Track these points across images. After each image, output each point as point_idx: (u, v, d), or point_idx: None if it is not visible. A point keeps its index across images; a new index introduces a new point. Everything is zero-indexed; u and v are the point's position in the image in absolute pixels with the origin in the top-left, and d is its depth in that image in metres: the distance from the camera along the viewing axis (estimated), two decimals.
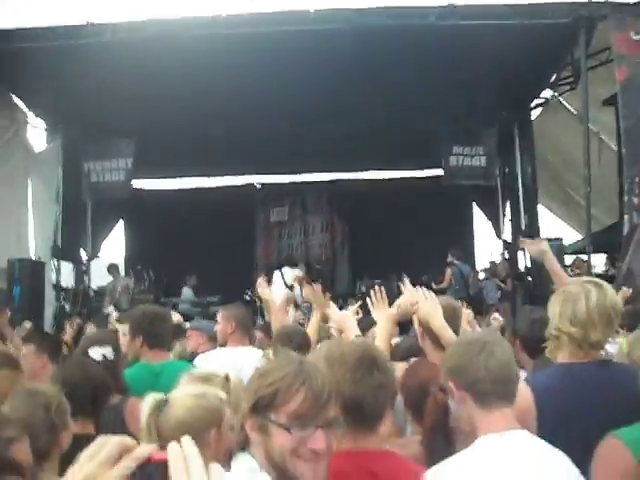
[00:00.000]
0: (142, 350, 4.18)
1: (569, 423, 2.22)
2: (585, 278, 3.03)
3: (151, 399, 2.31)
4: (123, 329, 4.86)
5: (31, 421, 2.49)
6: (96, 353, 3.26)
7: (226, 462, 2.46)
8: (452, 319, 3.27)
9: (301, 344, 4.09)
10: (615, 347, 3.70)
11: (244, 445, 1.93)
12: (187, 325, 6.87)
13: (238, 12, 11.16)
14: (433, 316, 3.19)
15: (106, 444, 1.03)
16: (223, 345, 4.93)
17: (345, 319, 3.86)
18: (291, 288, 12.21)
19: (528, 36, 10.73)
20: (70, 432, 2.65)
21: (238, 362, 4.32)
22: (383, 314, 3.60)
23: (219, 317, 5.09)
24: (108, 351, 3.34)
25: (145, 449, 1.03)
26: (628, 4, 10.77)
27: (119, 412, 3.19)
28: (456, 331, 3.26)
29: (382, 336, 3.49)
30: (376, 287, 3.75)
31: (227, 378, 2.75)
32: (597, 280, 2.93)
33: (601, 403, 2.52)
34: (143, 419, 2.28)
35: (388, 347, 3.56)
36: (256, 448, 1.85)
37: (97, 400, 2.96)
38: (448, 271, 13.70)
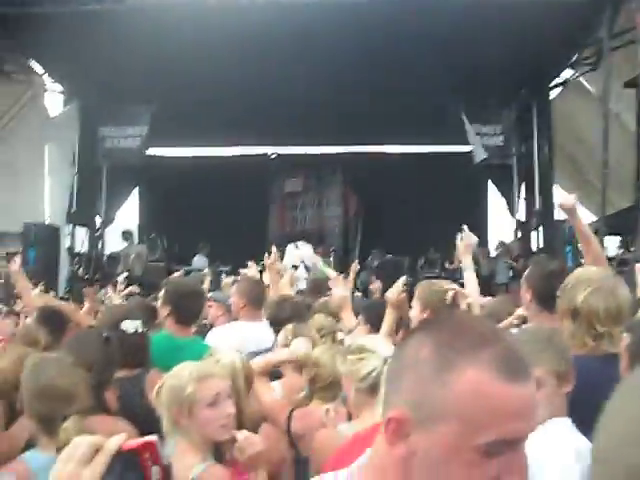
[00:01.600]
0: (168, 321, 4.25)
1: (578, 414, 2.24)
2: (607, 269, 3.04)
3: (164, 377, 2.65)
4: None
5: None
6: (130, 326, 3.34)
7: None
8: None
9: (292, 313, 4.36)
10: None
11: None
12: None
13: None
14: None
15: (80, 445, 1.10)
16: (236, 319, 4.98)
17: (344, 303, 4.05)
18: (296, 267, 12.16)
19: (550, 14, 10.59)
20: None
21: (247, 338, 4.44)
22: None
23: (232, 291, 5.17)
24: (139, 325, 3.41)
25: (113, 442, 1.10)
26: None
27: (140, 382, 3.27)
28: None
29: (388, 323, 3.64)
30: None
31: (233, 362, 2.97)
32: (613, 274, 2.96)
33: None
34: (152, 394, 2.62)
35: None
36: None
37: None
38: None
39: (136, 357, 3.34)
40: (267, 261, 5.86)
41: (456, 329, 1.15)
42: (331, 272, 6.42)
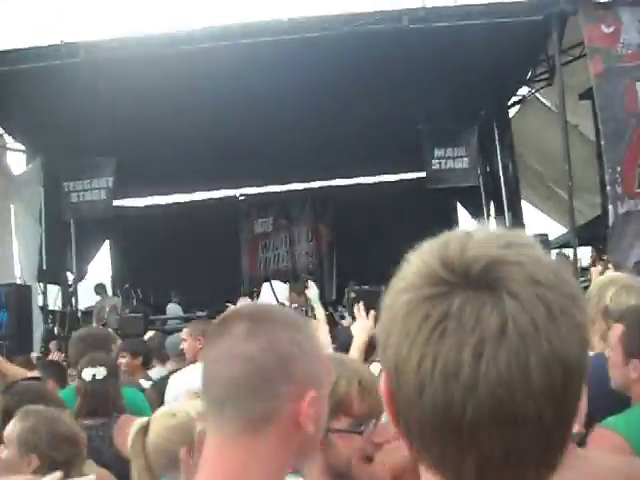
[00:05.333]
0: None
1: None
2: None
3: (137, 423, 2.41)
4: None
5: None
6: (87, 374, 3.28)
7: None
8: None
9: None
10: None
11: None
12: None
13: (212, 25, 11.18)
14: None
15: None
16: (193, 362, 4.88)
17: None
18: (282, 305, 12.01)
19: (501, 34, 10.80)
20: None
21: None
22: (361, 326, 3.62)
23: (185, 334, 5.14)
24: (99, 371, 3.32)
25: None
26: None
27: (108, 430, 3.17)
28: None
29: (357, 347, 3.50)
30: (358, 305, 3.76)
31: None
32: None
33: None
34: (129, 443, 2.37)
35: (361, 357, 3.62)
36: (312, 465, 1.73)
37: None
38: None
39: (100, 405, 3.24)
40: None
41: None
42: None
